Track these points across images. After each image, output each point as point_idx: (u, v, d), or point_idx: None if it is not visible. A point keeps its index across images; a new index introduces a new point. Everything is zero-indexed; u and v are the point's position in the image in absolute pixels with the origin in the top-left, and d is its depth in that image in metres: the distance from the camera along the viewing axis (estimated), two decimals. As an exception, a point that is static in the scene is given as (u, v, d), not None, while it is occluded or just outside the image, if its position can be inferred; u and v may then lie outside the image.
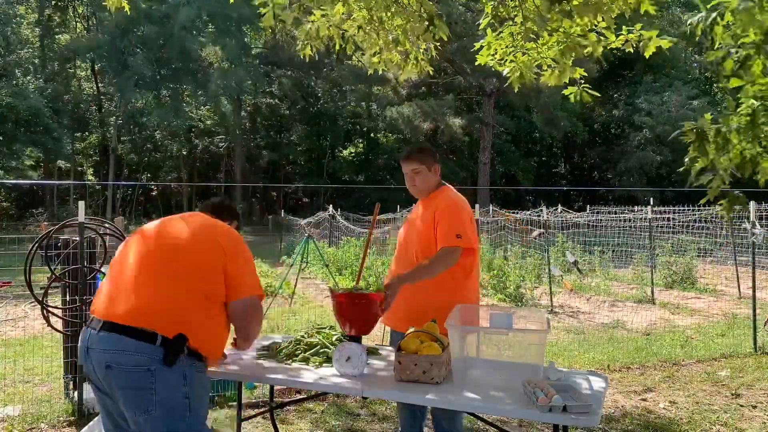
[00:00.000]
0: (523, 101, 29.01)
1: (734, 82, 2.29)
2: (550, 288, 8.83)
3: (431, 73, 4.21)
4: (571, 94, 4.25)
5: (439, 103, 27.09)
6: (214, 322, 2.26)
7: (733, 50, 2.30)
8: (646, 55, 3.94)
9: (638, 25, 3.96)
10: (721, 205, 2.37)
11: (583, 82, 4.28)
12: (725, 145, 2.26)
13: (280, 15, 3.52)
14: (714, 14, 2.30)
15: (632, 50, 3.97)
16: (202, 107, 30.10)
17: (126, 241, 2.40)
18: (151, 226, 2.41)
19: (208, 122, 31.77)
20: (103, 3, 4.23)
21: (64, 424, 4.00)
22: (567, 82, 4.18)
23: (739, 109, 2.31)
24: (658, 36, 3.86)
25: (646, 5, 3.37)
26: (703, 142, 2.27)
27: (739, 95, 2.32)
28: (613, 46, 3.96)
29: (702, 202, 2.42)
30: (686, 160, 2.34)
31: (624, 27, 3.96)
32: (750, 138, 2.24)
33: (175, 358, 2.11)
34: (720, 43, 2.32)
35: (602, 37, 3.83)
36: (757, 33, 2.21)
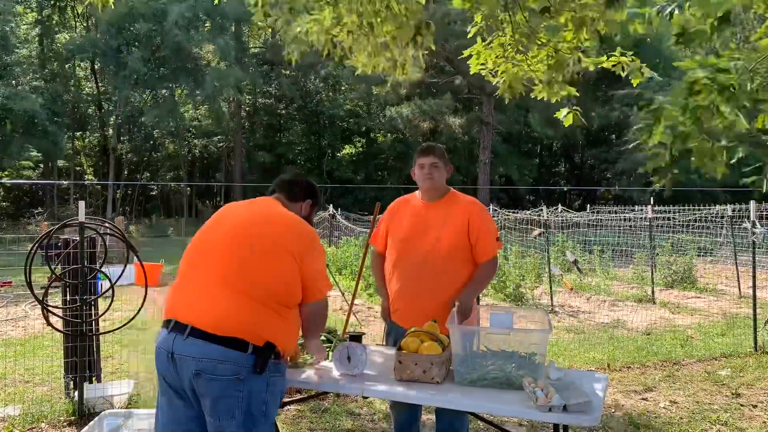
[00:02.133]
0: (522, 101, 28.99)
1: (685, 65, 2.29)
2: (551, 287, 8.83)
3: (416, 79, 4.23)
4: (563, 116, 4.26)
5: (439, 103, 27.07)
6: (291, 324, 2.28)
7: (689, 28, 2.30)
8: (633, 83, 4.01)
9: (629, 53, 4.01)
10: (655, 176, 2.31)
11: (574, 103, 4.30)
12: (659, 116, 2.23)
13: (270, 14, 3.53)
14: (673, 5, 2.30)
15: (622, 72, 4.02)
16: (201, 107, 30.07)
17: (201, 236, 2.34)
18: (226, 222, 2.34)
19: (207, 122, 31.75)
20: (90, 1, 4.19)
21: (65, 424, 4.00)
22: (560, 99, 4.19)
23: (681, 83, 2.29)
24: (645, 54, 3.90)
25: (634, 25, 3.37)
26: (648, 114, 2.28)
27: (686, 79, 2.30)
28: (603, 66, 3.99)
29: (642, 170, 2.40)
30: (633, 129, 2.33)
31: (618, 49, 4.00)
32: (685, 113, 2.19)
33: (264, 365, 2.12)
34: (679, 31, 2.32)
35: (586, 57, 3.86)
36: (711, 16, 2.21)
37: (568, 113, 4.20)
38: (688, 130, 2.15)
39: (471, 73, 4.38)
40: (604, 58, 3.93)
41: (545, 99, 4.16)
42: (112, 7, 4.29)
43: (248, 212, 2.34)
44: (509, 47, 3.88)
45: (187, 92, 29.69)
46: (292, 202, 2.48)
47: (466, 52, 4.21)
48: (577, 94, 4.18)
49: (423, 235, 3.00)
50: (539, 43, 3.72)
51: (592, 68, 3.92)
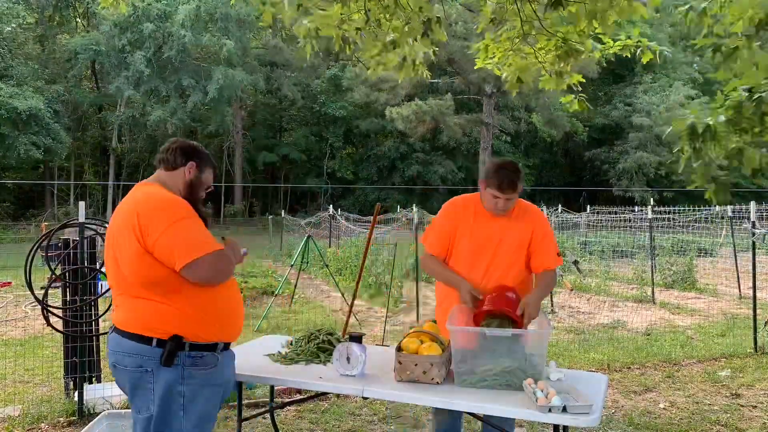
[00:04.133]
0: (523, 101, 29.01)
1: (721, 75, 2.32)
2: (550, 288, 8.83)
3: (429, 77, 4.21)
4: (568, 102, 4.26)
5: (439, 103, 27.08)
6: (190, 309, 2.14)
7: (723, 41, 2.32)
8: (643, 61, 3.98)
9: (636, 30, 3.98)
10: (707, 190, 2.39)
11: (580, 89, 4.29)
12: (713, 137, 2.28)
13: (278, 14, 3.53)
14: (704, 4, 2.32)
15: (630, 56, 4.00)
16: (202, 107, 30.06)
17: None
18: (110, 224, 2.31)
19: (208, 122, 31.75)
20: (97, 2, 4.20)
21: (65, 424, 4.00)
22: (565, 88, 4.19)
23: (726, 101, 2.33)
24: (651, 41, 3.89)
25: (642, 11, 3.37)
26: (694, 136, 2.30)
27: (727, 88, 2.34)
28: (611, 51, 3.98)
29: (690, 187, 2.45)
30: (675, 150, 2.37)
31: (623, 33, 3.99)
32: (736, 130, 2.25)
33: (171, 357, 2.13)
34: (707, 32, 2.34)
35: (599, 44, 3.85)
36: (747, 22, 2.23)
37: (574, 99, 4.21)
38: (740, 144, 2.21)
39: (477, 67, 4.39)
40: (611, 42, 3.91)
41: (551, 89, 4.16)
42: (124, 12, 4.30)
43: (116, 211, 2.27)
44: (517, 40, 3.88)
45: (188, 93, 29.63)
46: (174, 170, 2.31)
47: (474, 47, 4.21)
48: (584, 80, 4.18)
49: (491, 247, 2.92)
50: (547, 33, 3.71)
51: (598, 55, 3.91)
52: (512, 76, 4.22)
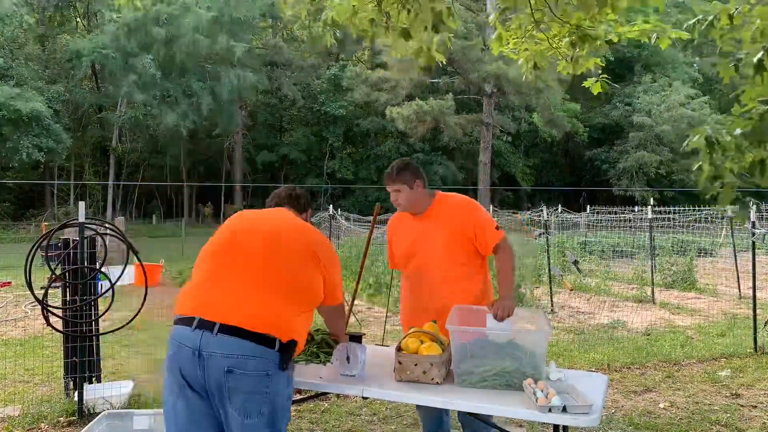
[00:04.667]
0: (523, 101, 29.00)
1: (749, 93, 2.30)
2: (551, 288, 8.83)
3: (443, 62, 4.19)
4: (590, 85, 4.24)
5: (440, 104, 27.06)
6: (308, 324, 2.41)
7: (740, 54, 2.31)
8: (662, 47, 3.95)
9: (653, 17, 3.96)
10: (732, 207, 2.41)
11: (600, 72, 4.27)
12: (737, 150, 2.27)
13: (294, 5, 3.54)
14: (711, 18, 2.32)
15: (648, 40, 3.94)
16: (202, 107, 30.03)
17: (231, 239, 2.38)
18: (245, 223, 2.45)
19: (208, 122, 31.73)
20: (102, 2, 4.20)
21: (65, 424, 4.00)
22: (584, 72, 4.18)
23: (747, 113, 2.31)
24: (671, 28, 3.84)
25: None
26: (712, 149, 2.28)
27: (742, 99, 2.32)
28: (627, 36, 3.94)
29: (714, 208, 2.47)
30: (695, 168, 2.36)
31: (640, 18, 3.96)
32: (757, 143, 2.25)
33: (289, 361, 2.20)
34: (720, 46, 2.33)
35: (611, 29, 3.83)
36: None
37: (596, 81, 4.20)
38: (763, 156, 2.21)
39: (494, 53, 4.39)
40: (627, 27, 3.89)
41: (570, 73, 4.15)
42: (140, 8, 4.30)
43: (278, 219, 2.48)
44: (530, 27, 3.88)
45: (189, 93, 29.63)
46: (299, 213, 2.67)
47: (490, 41, 4.20)
48: (602, 64, 4.17)
49: (420, 248, 3.03)
50: (560, 21, 3.70)
51: (616, 40, 3.90)
52: (528, 62, 4.21)
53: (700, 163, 2.34)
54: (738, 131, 2.28)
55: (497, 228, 3.00)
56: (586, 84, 4.28)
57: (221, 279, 2.26)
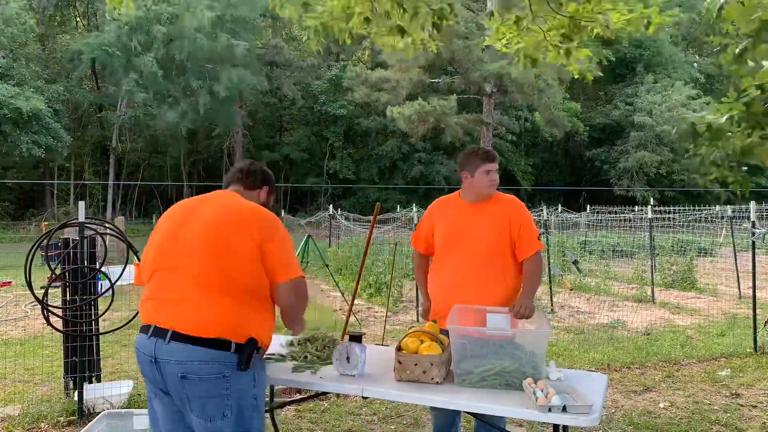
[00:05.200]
0: (524, 101, 29.00)
1: (736, 71, 2.33)
2: (551, 288, 8.83)
3: (438, 50, 4.19)
4: (574, 70, 4.23)
5: (440, 103, 27.04)
6: (268, 317, 2.28)
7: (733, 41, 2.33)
8: (649, 32, 3.94)
9: (639, 5, 3.95)
10: (730, 185, 2.41)
11: (591, 60, 4.27)
12: (717, 135, 2.29)
13: (284, 4, 3.52)
14: (721, 1, 2.33)
15: (643, 28, 3.93)
16: (202, 107, 30.02)
17: (167, 236, 2.27)
18: (195, 221, 2.25)
19: (208, 122, 31.72)
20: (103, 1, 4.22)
21: (65, 424, 4.00)
22: (572, 63, 4.17)
23: (740, 98, 2.33)
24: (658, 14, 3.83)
25: None
26: (695, 135, 2.31)
27: (744, 83, 2.34)
28: (616, 25, 3.92)
29: (702, 181, 2.50)
30: (687, 154, 2.38)
31: (640, 5, 3.95)
32: (748, 126, 2.26)
33: (249, 361, 2.14)
34: (726, 30, 2.35)
35: (608, 18, 3.81)
36: (754, 22, 2.23)
37: (576, 68, 4.19)
38: (751, 141, 2.23)
39: (485, 44, 4.40)
40: (617, 16, 3.89)
41: (560, 64, 4.14)
42: (132, 11, 4.29)
43: (214, 210, 2.26)
44: (524, 20, 3.88)
45: (189, 92, 29.62)
46: (249, 191, 2.48)
47: (487, 23, 4.20)
48: (591, 55, 4.16)
49: (466, 235, 3.04)
50: (554, 13, 3.70)
51: (609, 34, 3.90)
52: (522, 55, 4.20)
53: (695, 143, 2.37)
54: (725, 117, 2.32)
55: (538, 238, 3.07)
56: (570, 67, 4.25)
57: (169, 284, 2.20)
